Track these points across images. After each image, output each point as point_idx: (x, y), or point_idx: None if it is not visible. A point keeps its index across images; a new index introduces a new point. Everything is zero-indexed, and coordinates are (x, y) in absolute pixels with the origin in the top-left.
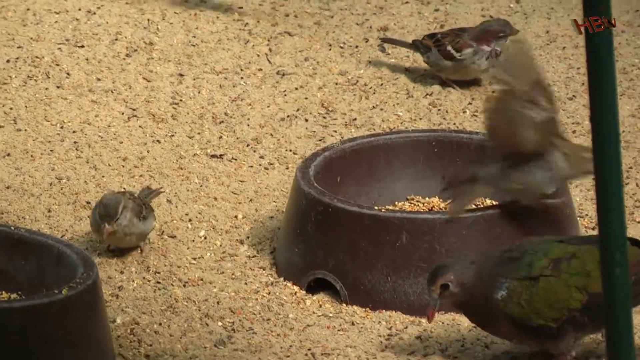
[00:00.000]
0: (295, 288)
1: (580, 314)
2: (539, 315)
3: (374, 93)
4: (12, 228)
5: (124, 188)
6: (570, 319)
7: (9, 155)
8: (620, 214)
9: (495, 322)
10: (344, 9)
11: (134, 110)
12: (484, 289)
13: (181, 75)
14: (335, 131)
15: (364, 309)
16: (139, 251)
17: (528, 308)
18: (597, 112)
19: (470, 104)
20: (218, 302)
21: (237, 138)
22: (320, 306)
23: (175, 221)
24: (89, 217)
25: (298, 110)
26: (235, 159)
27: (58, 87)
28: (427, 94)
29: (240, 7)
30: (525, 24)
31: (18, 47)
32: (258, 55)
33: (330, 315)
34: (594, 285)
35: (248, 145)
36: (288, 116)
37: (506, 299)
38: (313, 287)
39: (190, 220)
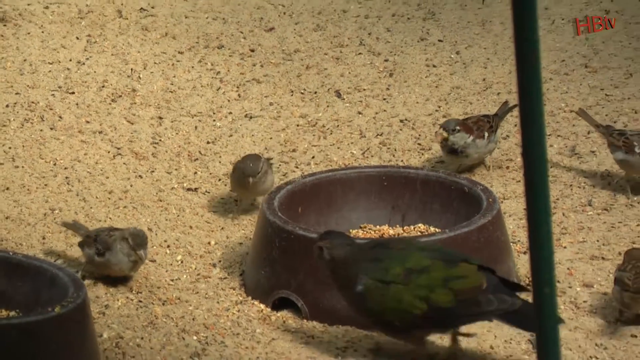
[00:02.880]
0: (262, 306)
1: (421, 319)
2: (388, 313)
3: (331, 133)
4: (11, 253)
5: (110, 218)
6: (412, 321)
7: (7, 189)
8: (548, 240)
9: (357, 308)
10: (304, 59)
11: (119, 149)
12: (349, 277)
13: (160, 118)
14: (297, 167)
15: (322, 325)
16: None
17: (380, 306)
18: (528, 149)
19: (416, 143)
20: (193, 319)
21: (210, 173)
22: (284, 322)
23: (155, 247)
24: (78, 244)
25: (264, 149)
26: (209, 192)
27: (51, 128)
28: (378, 134)
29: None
30: (465, 72)
31: (16, 94)
32: (228, 101)
33: (293, 330)
34: (435, 298)
35: (220, 180)
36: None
37: (363, 293)
38: (278, 306)
39: (168, 246)
